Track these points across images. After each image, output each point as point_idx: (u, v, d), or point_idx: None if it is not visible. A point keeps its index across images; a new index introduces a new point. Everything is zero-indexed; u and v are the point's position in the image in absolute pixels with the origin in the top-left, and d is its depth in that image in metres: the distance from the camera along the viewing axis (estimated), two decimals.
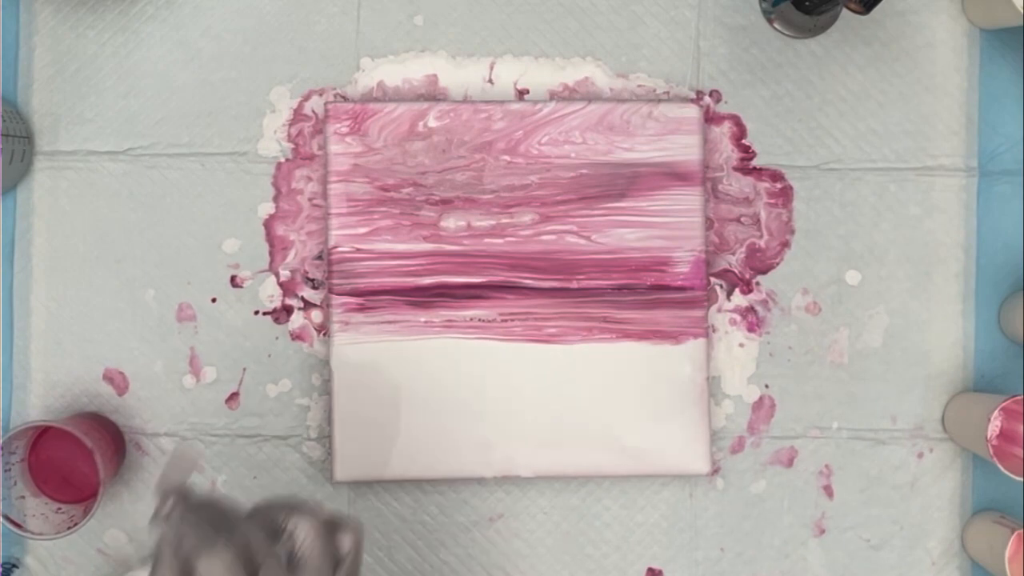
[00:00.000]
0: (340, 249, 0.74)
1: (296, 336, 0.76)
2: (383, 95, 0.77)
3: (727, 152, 0.78)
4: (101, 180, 0.76)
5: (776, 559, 0.78)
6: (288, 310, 0.76)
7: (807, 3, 0.75)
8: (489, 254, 0.75)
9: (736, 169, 0.78)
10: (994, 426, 0.72)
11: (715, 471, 0.77)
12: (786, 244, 0.78)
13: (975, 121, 0.79)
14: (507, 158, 0.75)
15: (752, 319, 0.78)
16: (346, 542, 0.54)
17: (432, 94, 0.77)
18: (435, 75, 0.77)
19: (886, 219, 0.78)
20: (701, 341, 0.75)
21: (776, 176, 0.78)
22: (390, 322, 0.74)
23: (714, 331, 0.77)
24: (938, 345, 0.78)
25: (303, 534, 0.53)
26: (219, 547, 0.50)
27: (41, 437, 0.74)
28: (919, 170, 0.79)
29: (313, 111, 0.77)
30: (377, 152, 0.75)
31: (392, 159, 0.75)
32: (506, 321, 0.75)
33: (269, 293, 0.76)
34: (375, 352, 0.74)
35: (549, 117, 0.75)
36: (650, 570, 0.77)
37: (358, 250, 0.74)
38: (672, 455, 0.75)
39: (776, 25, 0.78)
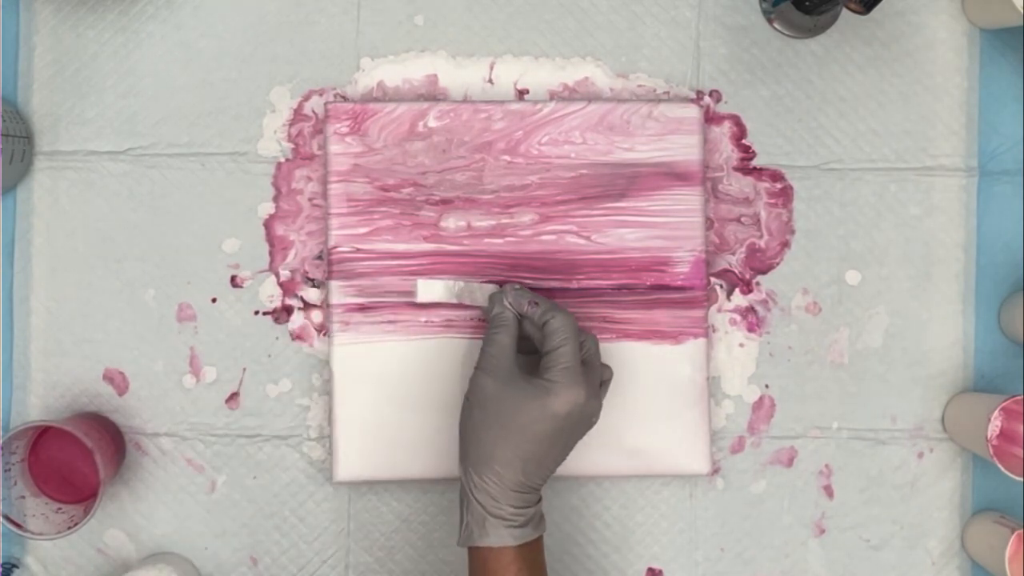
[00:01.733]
0: (340, 249, 0.74)
1: (296, 336, 0.76)
2: (383, 95, 0.77)
3: (727, 152, 0.78)
4: (101, 180, 0.76)
5: (776, 559, 0.78)
6: (288, 310, 0.76)
7: (807, 3, 0.75)
8: (489, 254, 0.75)
9: (736, 169, 0.78)
10: (994, 426, 0.72)
11: (715, 471, 0.77)
12: (786, 244, 0.78)
13: (975, 121, 0.79)
14: (507, 158, 0.75)
15: (752, 319, 0.78)
16: (607, 371, 0.71)
17: (432, 94, 0.77)
18: (435, 75, 0.77)
19: (886, 219, 0.78)
20: (701, 341, 0.75)
21: (776, 176, 0.78)
22: (390, 322, 0.74)
23: (714, 331, 0.77)
24: (938, 345, 0.78)
25: (593, 344, 0.70)
26: (566, 311, 0.68)
27: (41, 437, 0.74)
28: (919, 170, 0.79)
29: (313, 111, 0.77)
30: (377, 152, 0.75)
31: (392, 159, 0.75)
32: None
33: (269, 293, 0.76)
34: (375, 352, 0.74)
35: (549, 117, 0.75)
36: (650, 570, 0.77)
37: (358, 250, 0.74)
38: (672, 455, 0.75)
39: (776, 25, 0.78)
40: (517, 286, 0.72)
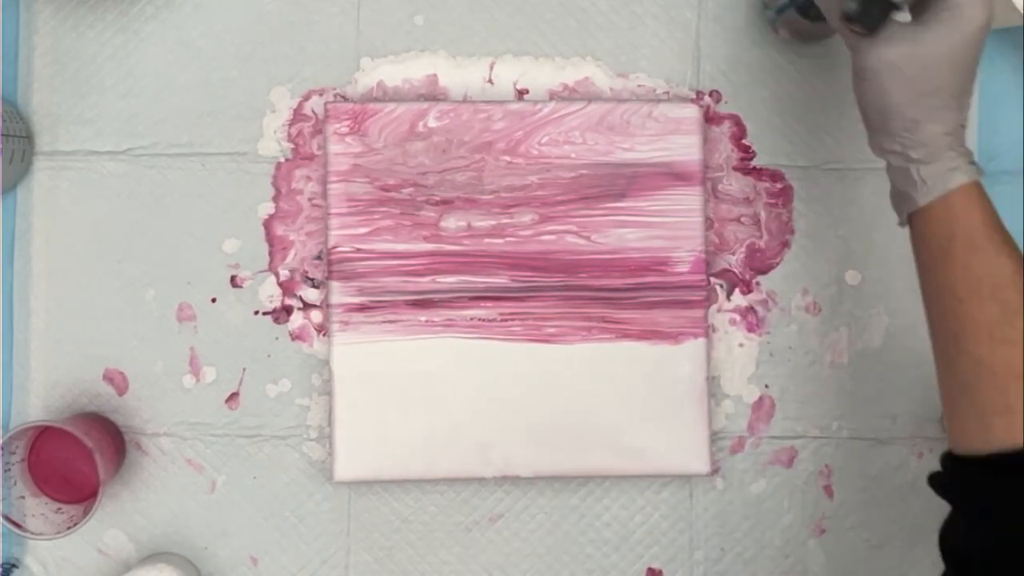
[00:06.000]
0: (340, 249, 0.74)
1: (296, 336, 0.76)
2: (383, 95, 0.77)
3: (727, 152, 0.78)
4: (101, 180, 0.76)
5: (776, 559, 0.78)
6: (288, 310, 0.76)
7: (812, 11, 0.74)
8: (489, 254, 0.75)
9: (736, 169, 0.78)
10: None
11: (715, 471, 0.77)
12: (786, 244, 0.78)
13: (975, 121, 0.79)
14: (507, 158, 0.75)
15: (752, 319, 0.78)
16: None
17: (432, 94, 0.77)
18: (435, 75, 0.77)
19: (886, 219, 0.78)
20: (701, 341, 0.75)
21: (776, 176, 0.78)
22: (390, 322, 0.74)
23: (714, 331, 0.77)
24: None
25: None
26: None
27: (41, 437, 0.74)
28: None
29: (313, 111, 0.77)
30: (377, 152, 0.75)
31: (392, 159, 0.75)
32: (506, 321, 0.75)
33: (269, 293, 0.76)
34: (375, 352, 0.74)
35: (549, 117, 0.75)
36: (650, 570, 0.77)
37: (358, 250, 0.74)
38: (672, 455, 0.75)
39: (781, 33, 0.77)
40: None
